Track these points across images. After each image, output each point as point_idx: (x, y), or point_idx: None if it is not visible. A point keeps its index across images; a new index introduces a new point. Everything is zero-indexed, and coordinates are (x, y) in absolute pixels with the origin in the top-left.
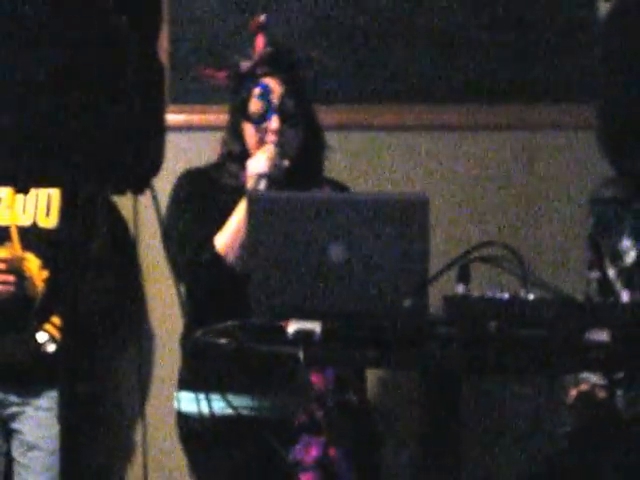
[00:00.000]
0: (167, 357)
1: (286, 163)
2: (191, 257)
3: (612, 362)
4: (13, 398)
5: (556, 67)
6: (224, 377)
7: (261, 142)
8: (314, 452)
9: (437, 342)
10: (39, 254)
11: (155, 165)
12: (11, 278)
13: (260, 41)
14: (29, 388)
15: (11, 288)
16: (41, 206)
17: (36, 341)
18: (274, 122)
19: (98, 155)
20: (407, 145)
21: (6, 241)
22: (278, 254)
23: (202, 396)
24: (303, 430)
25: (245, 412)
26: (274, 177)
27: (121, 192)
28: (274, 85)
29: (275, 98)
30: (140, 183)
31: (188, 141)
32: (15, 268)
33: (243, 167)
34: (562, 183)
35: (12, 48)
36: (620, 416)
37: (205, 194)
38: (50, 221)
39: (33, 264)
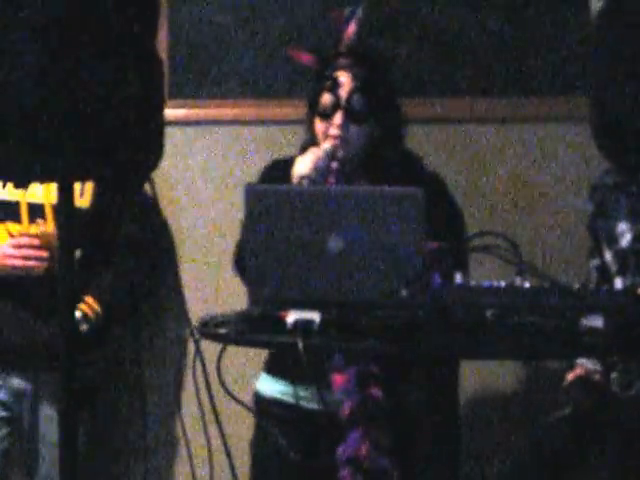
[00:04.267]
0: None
1: (335, 166)
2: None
3: (606, 347)
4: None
5: (552, 60)
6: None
7: (324, 134)
8: (350, 448)
9: (435, 330)
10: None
11: (155, 159)
12: (44, 254)
13: (351, 30)
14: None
15: (44, 264)
16: (76, 185)
17: None
18: (338, 117)
19: (97, 150)
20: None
21: (40, 218)
22: (276, 246)
23: (271, 380)
24: (347, 426)
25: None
26: (315, 178)
27: (121, 186)
28: (346, 79)
29: (344, 93)
30: (140, 177)
31: (187, 136)
32: (48, 245)
33: None
34: (559, 174)
35: (17, 45)
36: (615, 399)
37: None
38: (83, 201)
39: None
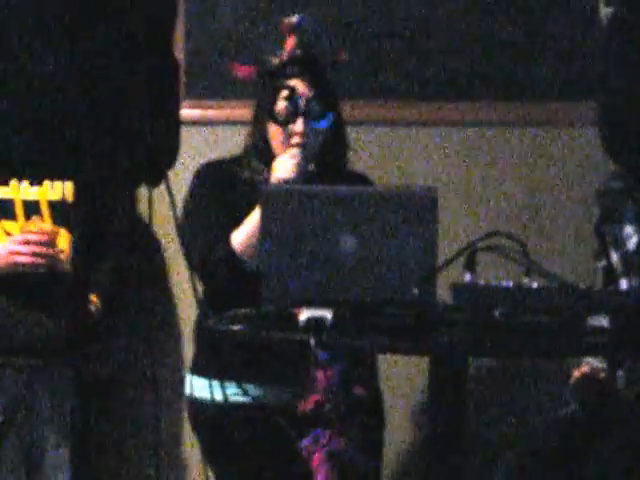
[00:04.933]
0: (180, 346)
1: (311, 167)
2: (205, 253)
3: (612, 347)
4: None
5: (560, 64)
6: (237, 364)
7: (284, 143)
8: (326, 444)
9: (444, 328)
10: (69, 229)
11: (170, 159)
12: (51, 251)
13: (291, 42)
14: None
15: (45, 261)
16: (68, 182)
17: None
18: (299, 125)
19: (114, 149)
20: (415, 140)
21: (35, 215)
22: (290, 245)
23: (215, 383)
24: (312, 423)
25: (257, 400)
26: (297, 181)
27: (136, 185)
28: (302, 87)
29: (302, 101)
30: (155, 177)
31: (202, 136)
32: (49, 242)
33: (265, 163)
34: (567, 177)
35: (32, 45)
36: (621, 397)
37: (224, 187)
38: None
39: (64, 239)
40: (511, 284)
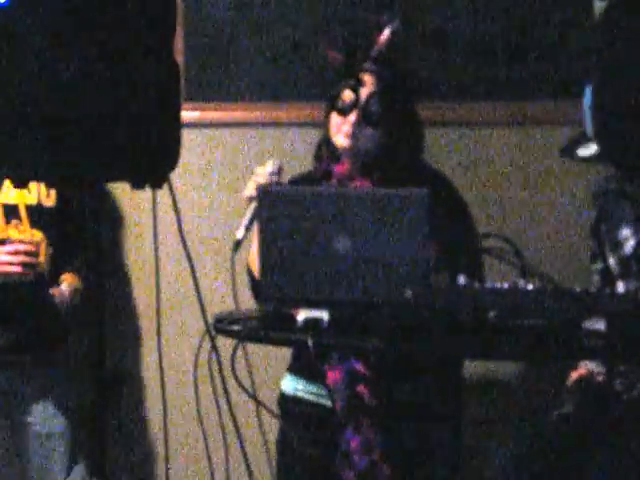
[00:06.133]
0: (186, 350)
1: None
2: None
3: (609, 350)
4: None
5: (561, 64)
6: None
7: (337, 129)
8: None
9: (439, 330)
10: (45, 232)
11: (172, 161)
12: (38, 259)
13: (383, 38)
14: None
15: (29, 272)
16: (42, 186)
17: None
18: (353, 115)
19: (117, 151)
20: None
21: (15, 219)
22: (287, 246)
23: (293, 379)
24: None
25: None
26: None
27: (140, 187)
28: (369, 81)
29: (364, 93)
30: (158, 179)
31: (203, 138)
32: (36, 251)
33: (332, 154)
34: (563, 178)
35: (32, 47)
36: (617, 400)
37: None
38: (50, 200)
39: (42, 243)
40: (506, 286)
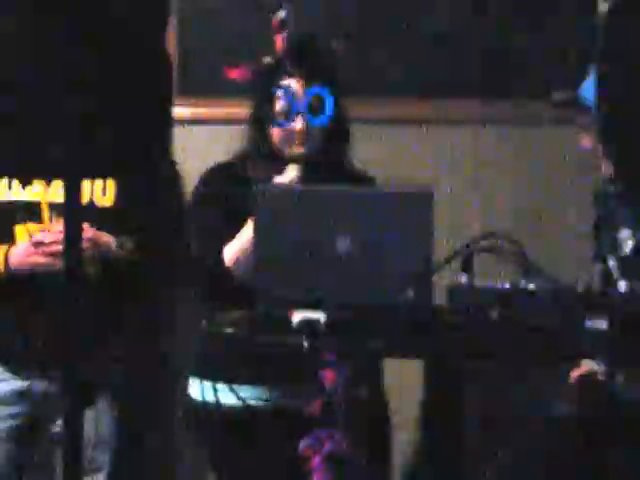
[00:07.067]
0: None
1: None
2: (199, 265)
3: (610, 350)
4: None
5: (561, 64)
6: (233, 366)
7: (286, 142)
8: (326, 446)
9: (440, 330)
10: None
11: (163, 156)
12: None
13: (280, 40)
14: None
15: (60, 262)
16: (97, 184)
17: None
18: (298, 123)
19: (104, 148)
20: (414, 139)
21: (62, 218)
22: (285, 246)
23: (207, 384)
24: (314, 423)
25: (254, 402)
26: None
27: (129, 185)
28: (296, 85)
29: (298, 98)
30: (148, 175)
31: (195, 134)
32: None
33: (271, 163)
34: (565, 178)
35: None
36: (619, 399)
37: (229, 190)
38: (107, 199)
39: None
40: (507, 286)
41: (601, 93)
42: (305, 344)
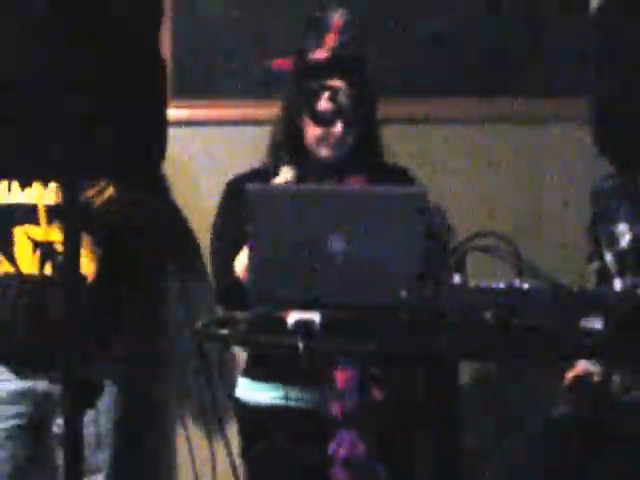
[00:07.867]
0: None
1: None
2: (216, 281)
3: (606, 349)
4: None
5: (557, 61)
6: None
7: (321, 142)
8: (345, 448)
9: (435, 331)
10: (90, 231)
11: (158, 158)
12: None
13: (332, 39)
14: None
15: None
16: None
17: None
18: (339, 126)
19: (99, 150)
20: (404, 136)
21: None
22: (279, 246)
23: (250, 383)
24: (338, 425)
25: (290, 403)
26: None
27: (125, 187)
28: (343, 87)
29: (343, 101)
30: (141, 177)
31: (191, 136)
32: None
33: (295, 159)
34: (562, 175)
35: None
36: (615, 400)
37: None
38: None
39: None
40: (502, 285)
41: (597, 89)
42: (300, 345)
